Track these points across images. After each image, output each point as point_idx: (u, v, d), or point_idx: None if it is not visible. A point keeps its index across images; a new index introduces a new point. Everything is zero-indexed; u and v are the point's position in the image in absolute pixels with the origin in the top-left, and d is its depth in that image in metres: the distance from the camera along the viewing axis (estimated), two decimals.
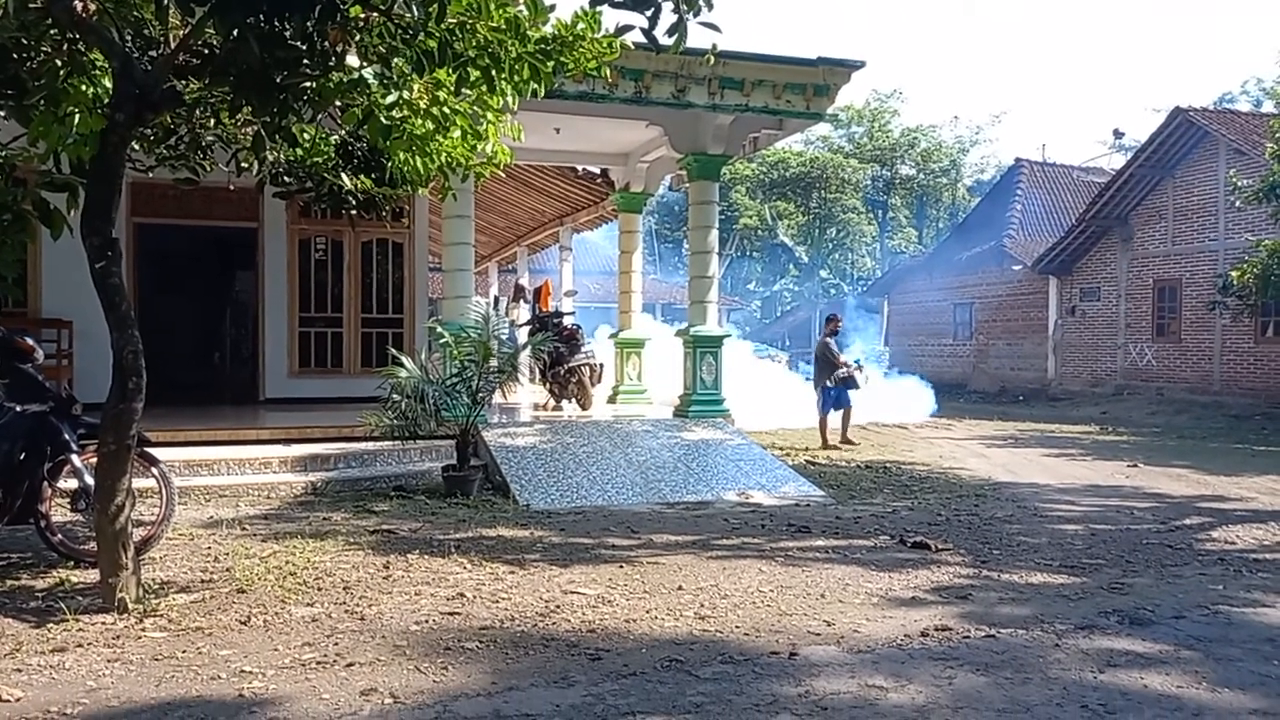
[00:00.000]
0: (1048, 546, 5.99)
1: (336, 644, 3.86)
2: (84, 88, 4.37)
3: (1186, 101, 28.68)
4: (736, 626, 4.19)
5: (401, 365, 7.97)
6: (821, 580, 5.03)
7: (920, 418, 16.89)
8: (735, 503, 7.65)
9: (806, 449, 11.48)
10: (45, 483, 4.98)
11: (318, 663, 3.63)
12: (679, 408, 10.49)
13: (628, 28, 4.13)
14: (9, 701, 3.20)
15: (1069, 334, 22.85)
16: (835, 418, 12.49)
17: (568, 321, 11.29)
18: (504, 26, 4.19)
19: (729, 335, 10.81)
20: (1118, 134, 33.81)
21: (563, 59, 4.51)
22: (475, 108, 4.79)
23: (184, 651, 3.73)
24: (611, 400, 12.39)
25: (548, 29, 4.45)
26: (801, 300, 42.41)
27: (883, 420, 15.75)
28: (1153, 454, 11.70)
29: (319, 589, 4.70)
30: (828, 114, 10.36)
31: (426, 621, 4.21)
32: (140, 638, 3.89)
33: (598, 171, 13.48)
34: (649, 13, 3.70)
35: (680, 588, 4.84)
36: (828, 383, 12.43)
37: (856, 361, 13.15)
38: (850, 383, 12.52)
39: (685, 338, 10.51)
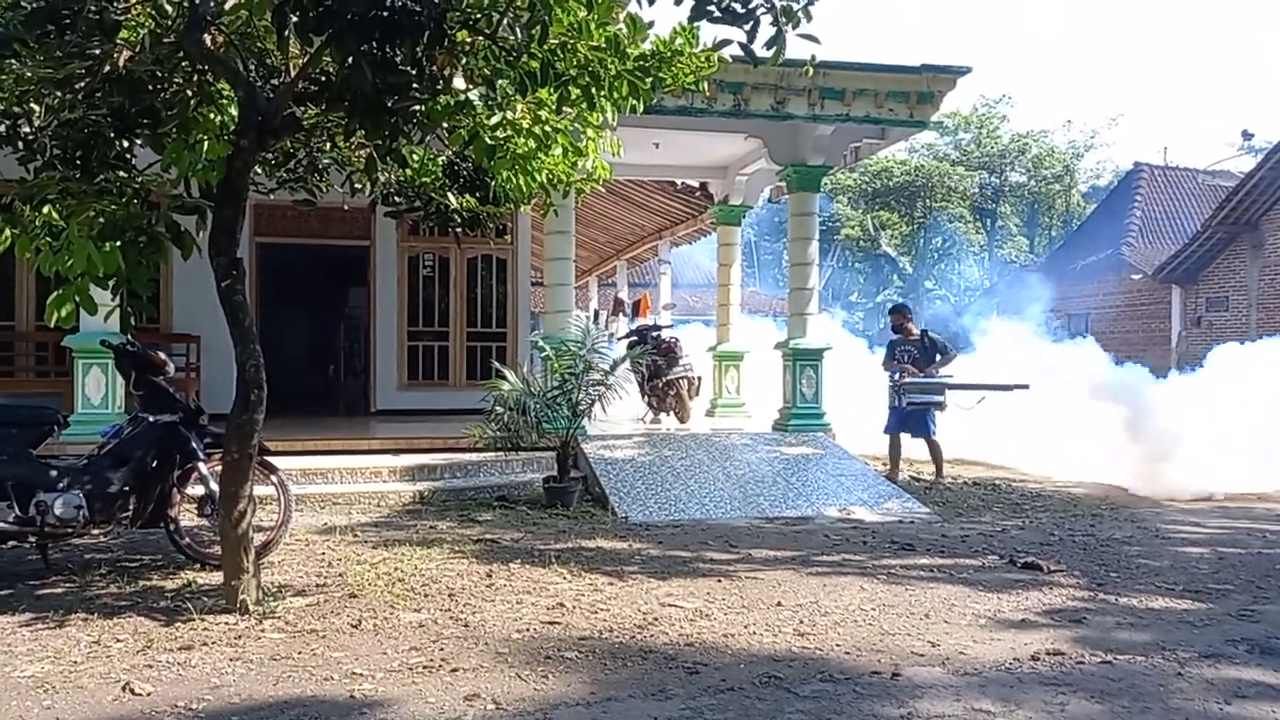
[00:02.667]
0: (1170, 570, 5.69)
1: (442, 649, 3.97)
2: (212, 116, 4.64)
3: None
4: (837, 645, 4.12)
5: (504, 378, 8.15)
6: (926, 600, 4.90)
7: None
8: (836, 518, 7.52)
9: (911, 463, 11.19)
10: (174, 489, 5.27)
11: (424, 667, 3.74)
12: (778, 422, 10.39)
13: (726, 42, 4.15)
14: (141, 696, 3.40)
15: (1194, 346, 21.65)
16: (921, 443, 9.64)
17: (666, 335, 11.33)
18: (604, 45, 4.26)
19: (829, 348, 10.64)
20: (1247, 135, 32.00)
21: (661, 75, 4.55)
22: (576, 125, 4.88)
23: (300, 653, 3.89)
24: (710, 414, 12.36)
25: (646, 46, 4.50)
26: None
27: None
28: None
29: (425, 595, 4.84)
30: (932, 122, 10.14)
31: (527, 630, 4.28)
32: (260, 638, 4.08)
33: (696, 185, 13.51)
34: (747, 26, 3.72)
35: (779, 604, 4.79)
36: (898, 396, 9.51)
37: (894, 373, 9.53)
38: (910, 401, 9.38)
39: (784, 351, 10.41)
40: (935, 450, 9.56)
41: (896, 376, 9.51)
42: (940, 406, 9.48)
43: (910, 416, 9.48)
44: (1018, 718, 3.29)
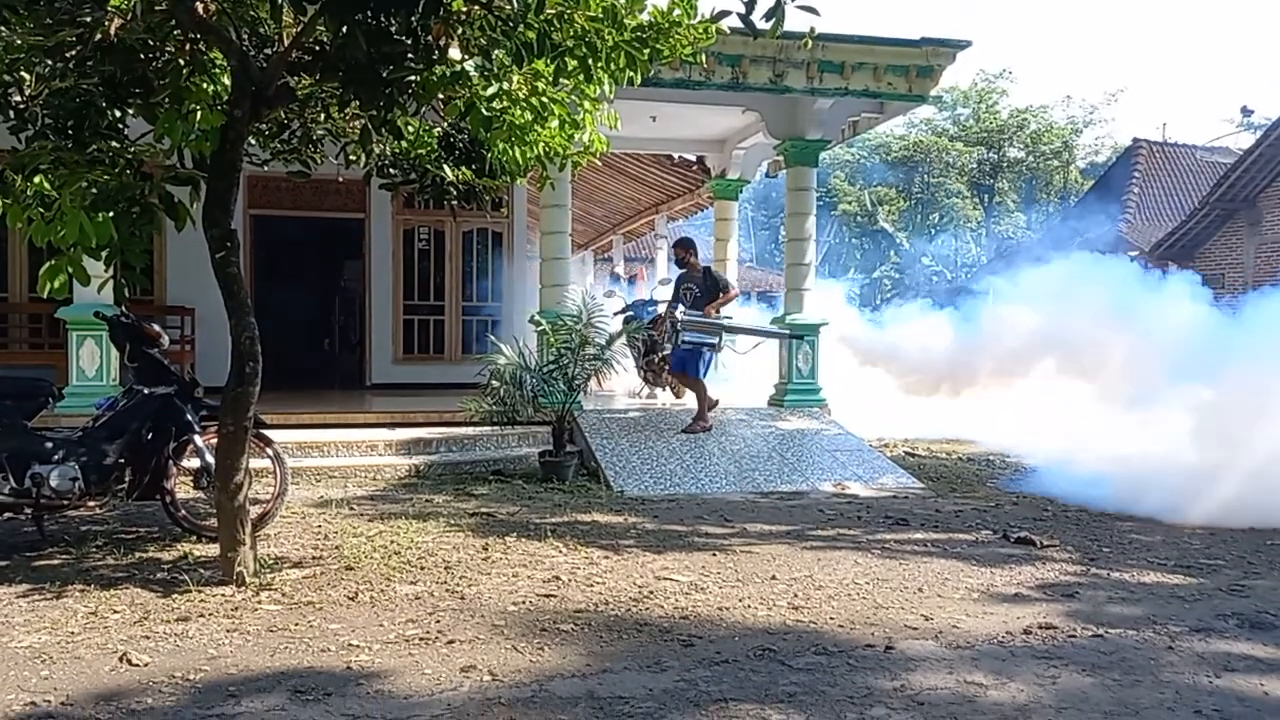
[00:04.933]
0: (1162, 545, 5.73)
1: (438, 621, 3.98)
2: (205, 86, 4.59)
3: None
4: (831, 618, 4.15)
5: (500, 352, 8.14)
6: (920, 574, 4.93)
7: None
8: (831, 493, 7.55)
9: (906, 440, 11.21)
10: (170, 461, 5.26)
11: (420, 639, 3.76)
12: (774, 397, 10.41)
13: (724, 13, 4.11)
14: (139, 666, 3.41)
15: None
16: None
17: (661, 310, 11.29)
18: (601, 15, 4.22)
19: (825, 323, 10.62)
20: (1246, 111, 31.96)
21: (659, 46, 4.50)
22: (573, 97, 4.84)
23: (296, 624, 3.91)
24: None
25: (644, 16, 4.45)
26: (902, 287, 41.41)
27: None
28: None
29: (422, 568, 4.86)
30: (931, 96, 10.08)
31: (524, 602, 4.30)
32: (256, 610, 4.10)
33: (693, 159, 13.45)
34: None
35: (774, 577, 4.82)
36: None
37: (650, 308, 9.32)
38: (685, 340, 8.91)
39: (780, 326, 10.39)
40: (699, 390, 9.03)
41: (676, 312, 9.02)
42: (715, 348, 9.09)
43: (683, 356, 9.02)
44: (1010, 690, 3.31)
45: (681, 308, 9.14)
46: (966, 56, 9.56)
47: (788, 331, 9.93)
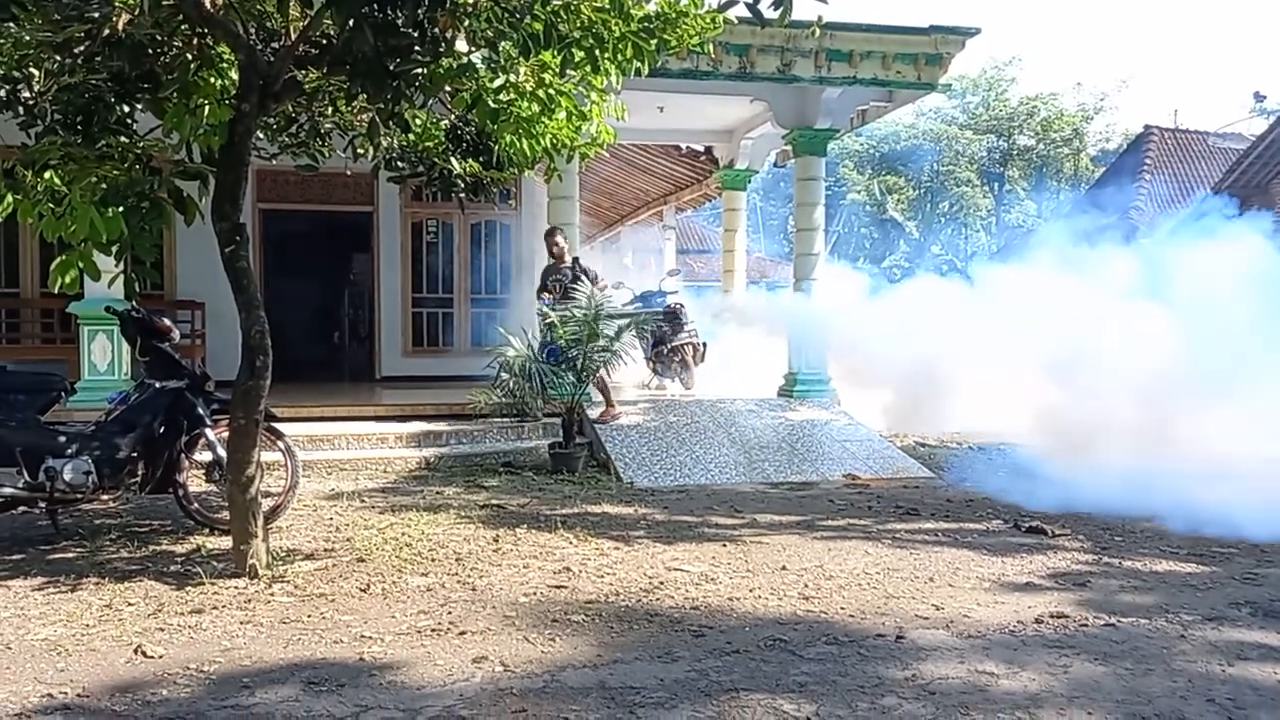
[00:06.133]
0: (1173, 534, 5.70)
1: (450, 613, 4.00)
2: (212, 80, 4.60)
3: None
4: (841, 608, 4.15)
5: (509, 344, 8.14)
6: (930, 563, 4.93)
7: None
8: (841, 483, 7.55)
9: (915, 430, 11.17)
10: (182, 455, 5.29)
11: (432, 630, 3.77)
12: (783, 388, 10.40)
13: (732, 2, 4.10)
14: (153, 658, 3.44)
15: None
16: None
17: (670, 300, 11.28)
18: (607, 6, 4.21)
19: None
20: (1259, 97, 31.63)
21: (666, 36, 4.49)
22: (580, 88, 4.83)
23: (309, 616, 3.93)
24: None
25: (651, 7, 4.44)
26: (912, 277, 41.29)
27: None
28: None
29: (433, 560, 4.88)
30: (940, 84, 10.03)
31: (535, 594, 4.31)
32: (269, 602, 4.12)
33: (701, 149, 13.41)
34: None
35: (784, 567, 4.82)
36: None
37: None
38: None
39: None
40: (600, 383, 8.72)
41: (544, 307, 8.70)
42: None
43: (554, 349, 8.37)
44: (1021, 679, 3.31)
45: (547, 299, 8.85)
46: (976, 44, 9.53)
47: (657, 308, 10.06)
